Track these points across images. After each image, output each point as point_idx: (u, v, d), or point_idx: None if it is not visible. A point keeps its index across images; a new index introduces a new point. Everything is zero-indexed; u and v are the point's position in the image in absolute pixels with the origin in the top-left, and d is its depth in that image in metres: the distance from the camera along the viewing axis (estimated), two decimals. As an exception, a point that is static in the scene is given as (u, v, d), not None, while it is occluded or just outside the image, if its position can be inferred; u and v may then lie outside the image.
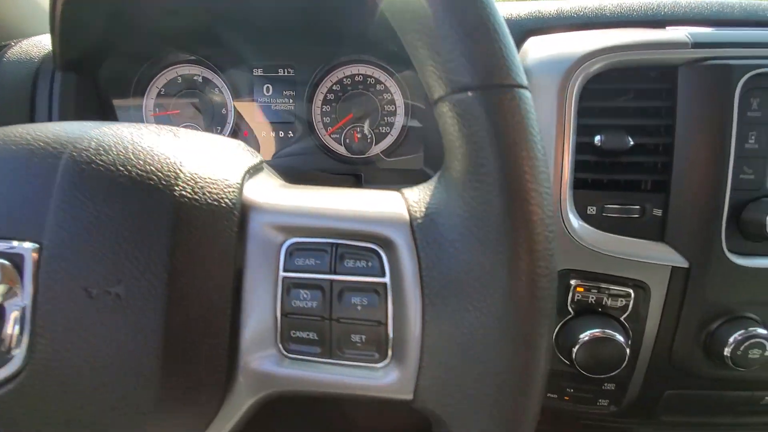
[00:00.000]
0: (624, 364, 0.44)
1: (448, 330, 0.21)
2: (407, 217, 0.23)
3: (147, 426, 0.20)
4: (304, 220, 0.24)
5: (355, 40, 0.61)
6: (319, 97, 0.63)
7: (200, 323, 0.21)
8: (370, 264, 0.23)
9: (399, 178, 0.63)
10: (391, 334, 0.23)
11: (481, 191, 0.20)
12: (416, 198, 0.24)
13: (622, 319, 0.45)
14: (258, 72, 0.63)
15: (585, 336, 0.44)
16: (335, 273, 0.23)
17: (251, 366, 0.23)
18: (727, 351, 0.43)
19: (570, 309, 0.46)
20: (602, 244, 0.44)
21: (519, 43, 0.51)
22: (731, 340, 0.42)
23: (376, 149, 0.63)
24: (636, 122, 0.43)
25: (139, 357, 0.20)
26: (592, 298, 0.45)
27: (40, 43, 0.58)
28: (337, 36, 0.60)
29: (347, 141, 0.63)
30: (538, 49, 0.47)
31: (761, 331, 0.42)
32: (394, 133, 0.63)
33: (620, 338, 0.43)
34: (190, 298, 0.21)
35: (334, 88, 0.63)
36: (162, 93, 0.63)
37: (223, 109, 0.64)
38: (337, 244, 0.24)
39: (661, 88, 0.43)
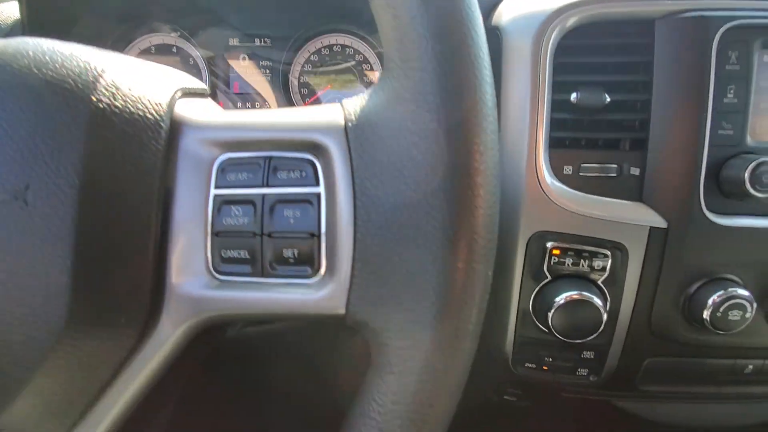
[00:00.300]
0: (601, 328, 0.43)
1: (381, 238, 0.20)
2: (342, 122, 0.22)
3: (59, 346, 0.19)
4: (237, 134, 0.23)
5: (334, 9, 0.59)
6: (296, 68, 0.62)
7: (119, 239, 0.20)
8: (303, 174, 0.22)
9: None
10: (324, 246, 0.22)
11: (417, 90, 0.19)
12: (353, 104, 0.23)
13: (599, 282, 0.44)
14: (234, 42, 0.62)
15: (561, 299, 0.43)
16: (267, 186, 0.22)
17: (180, 290, 0.22)
18: (706, 314, 0.41)
19: (546, 273, 0.44)
20: (578, 204, 0.43)
21: (494, 5, 0.50)
22: (710, 302, 0.41)
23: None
24: (613, 78, 0.42)
25: (47, 268, 0.19)
26: (569, 261, 0.44)
27: (6, 11, 0.57)
28: (316, 5, 0.59)
29: (326, 113, 0.62)
30: (513, 7, 0.46)
31: (741, 291, 0.41)
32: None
33: (597, 301, 0.42)
34: (105, 210, 0.20)
35: (312, 58, 0.61)
36: (135, 63, 0.62)
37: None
38: (271, 157, 0.23)
39: (638, 42, 0.42)
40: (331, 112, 0.23)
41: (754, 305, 0.41)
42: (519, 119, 0.43)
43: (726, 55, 0.39)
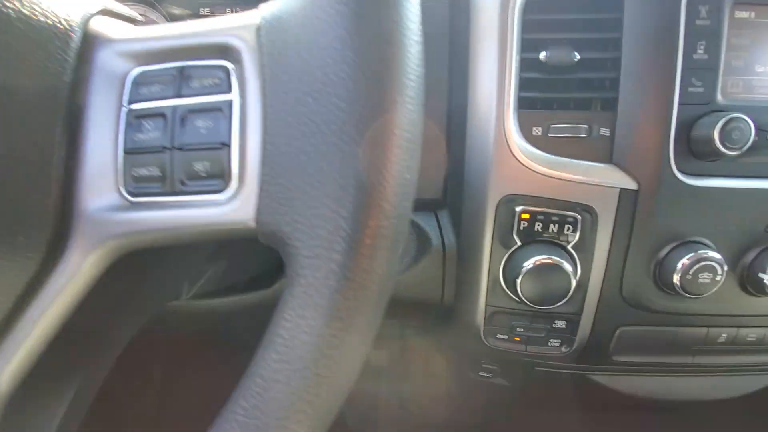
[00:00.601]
0: (570, 294, 0.42)
1: (289, 144, 0.19)
2: (257, 22, 0.21)
3: None
4: (150, 44, 0.21)
5: None
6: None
7: (16, 151, 0.19)
8: (217, 82, 0.21)
9: None
10: (235, 157, 0.21)
11: None
12: (270, 5, 0.21)
13: (569, 247, 0.43)
14: (204, 11, 0.60)
15: (529, 264, 0.42)
16: (180, 97, 0.21)
17: (88, 212, 0.21)
18: (676, 277, 0.40)
19: (516, 239, 0.43)
20: (547, 166, 0.41)
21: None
22: (680, 265, 0.40)
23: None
24: (582, 36, 0.41)
25: None
26: (538, 226, 0.43)
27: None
28: None
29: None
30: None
31: (712, 254, 0.40)
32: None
33: (566, 265, 0.41)
34: (2, 122, 0.18)
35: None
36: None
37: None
38: (185, 66, 0.21)
39: (608, -2, 0.41)
40: (247, 16, 0.22)
41: (725, 268, 0.40)
42: (487, 79, 0.42)
43: (696, 9, 0.38)
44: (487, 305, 0.47)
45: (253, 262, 0.49)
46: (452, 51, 0.48)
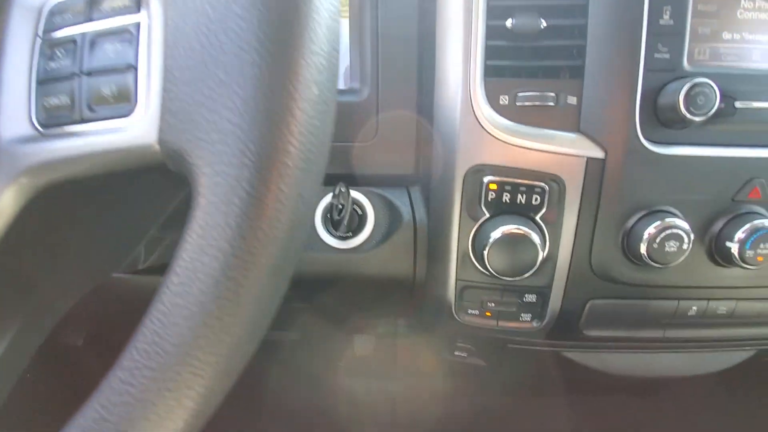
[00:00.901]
0: (538, 264, 0.42)
1: (189, 57, 0.18)
2: None
3: None
4: None
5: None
6: None
7: None
8: (126, 3, 0.20)
9: None
10: (142, 78, 0.20)
11: None
12: None
13: (537, 218, 0.42)
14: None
15: (497, 234, 0.41)
16: (90, 20, 0.20)
17: (1, 146, 0.20)
18: (643, 247, 0.40)
19: (484, 210, 0.43)
20: (514, 135, 0.41)
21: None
22: (646, 234, 0.40)
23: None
24: (549, 2, 0.40)
25: None
26: (506, 196, 0.42)
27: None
28: None
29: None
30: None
31: (678, 222, 0.39)
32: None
33: (533, 235, 0.41)
34: None
35: None
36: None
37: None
38: None
39: (574, -37, 0.40)
40: None
41: (692, 237, 0.40)
42: (454, 48, 0.42)
43: (662, -26, 0.38)
44: (457, 279, 0.47)
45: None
46: (420, 24, 0.48)
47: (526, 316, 0.47)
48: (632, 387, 0.88)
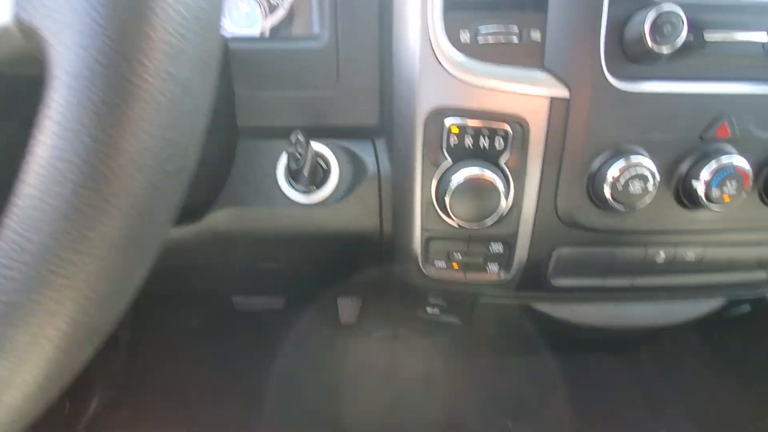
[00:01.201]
0: (504, 211, 0.40)
1: None
2: None
3: None
4: None
5: None
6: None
7: None
8: None
9: None
10: None
11: None
12: None
13: (501, 163, 0.41)
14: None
15: (459, 178, 0.40)
16: None
17: None
18: (607, 189, 0.39)
19: (446, 155, 0.41)
20: (475, 74, 0.39)
21: None
22: (610, 176, 0.38)
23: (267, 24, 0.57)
24: (510, -71, 0.38)
25: None
26: (468, 140, 0.40)
27: None
28: None
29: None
30: None
31: (643, 161, 0.38)
32: (285, 5, 0.57)
33: (496, 179, 0.39)
34: None
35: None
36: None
37: None
38: None
39: None
40: None
41: (657, 177, 0.38)
42: (412, -20, 0.39)
43: None
44: (422, 230, 0.45)
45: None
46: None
47: (494, 267, 0.46)
48: (610, 345, 0.88)
